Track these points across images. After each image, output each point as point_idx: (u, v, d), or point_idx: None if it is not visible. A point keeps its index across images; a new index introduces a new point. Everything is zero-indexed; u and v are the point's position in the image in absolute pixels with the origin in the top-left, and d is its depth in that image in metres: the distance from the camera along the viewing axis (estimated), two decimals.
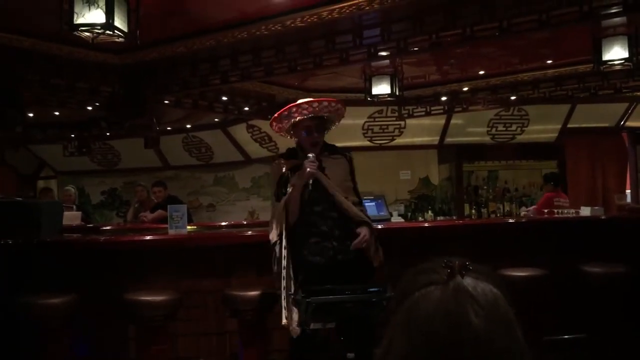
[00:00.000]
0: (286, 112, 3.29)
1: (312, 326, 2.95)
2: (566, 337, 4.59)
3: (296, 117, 3.30)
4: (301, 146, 3.40)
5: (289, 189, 3.31)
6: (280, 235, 3.28)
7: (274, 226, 3.32)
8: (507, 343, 0.82)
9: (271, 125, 3.44)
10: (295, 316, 3.14)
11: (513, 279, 4.17)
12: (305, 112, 3.28)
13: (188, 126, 10.49)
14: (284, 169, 3.40)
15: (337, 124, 3.52)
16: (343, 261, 3.26)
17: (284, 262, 3.25)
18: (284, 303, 3.23)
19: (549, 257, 4.44)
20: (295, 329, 3.15)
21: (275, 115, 3.35)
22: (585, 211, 5.64)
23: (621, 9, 4.33)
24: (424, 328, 0.82)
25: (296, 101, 3.37)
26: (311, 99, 3.33)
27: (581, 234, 4.84)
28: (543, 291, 4.23)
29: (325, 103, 3.31)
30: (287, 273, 3.24)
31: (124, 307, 3.75)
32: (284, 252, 3.26)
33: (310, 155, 3.26)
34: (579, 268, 4.42)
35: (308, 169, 3.21)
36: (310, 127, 3.32)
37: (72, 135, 9.63)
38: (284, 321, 3.23)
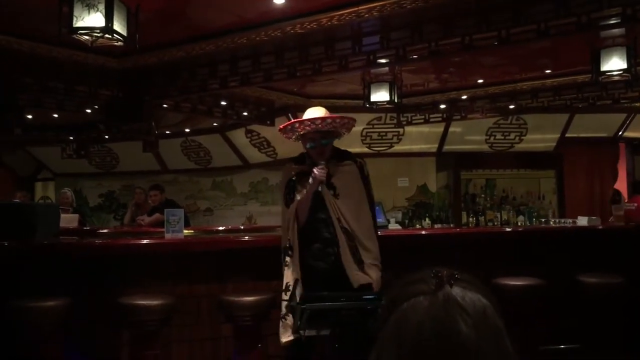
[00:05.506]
0: (289, 127, 3.29)
1: (306, 333, 2.94)
2: (561, 347, 4.58)
3: (300, 132, 3.29)
4: (309, 153, 3.40)
5: (297, 195, 3.30)
6: (290, 241, 3.27)
7: (284, 232, 3.32)
8: (496, 352, 0.82)
9: (279, 131, 3.45)
10: (290, 323, 3.13)
11: (509, 288, 4.17)
12: (307, 128, 3.26)
13: (187, 130, 10.50)
14: (292, 173, 3.39)
15: (346, 133, 3.46)
16: (344, 267, 3.25)
17: (289, 269, 3.24)
18: (284, 310, 3.22)
19: (545, 267, 4.44)
20: (288, 338, 3.15)
21: (281, 127, 3.36)
22: (582, 221, 5.63)
23: (619, 20, 4.35)
24: (413, 338, 0.82)
25: (302, 112, 3.40)
26: (315, 116, 3.27)
27: (578, 243, 4.83)
28: (539, 301, 4.23)
29: (329, 120, 3.26)
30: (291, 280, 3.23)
31: (118, 312, 3.74)
32: (288, 260, 3.25)
33: (321, 162, 3.25)
34: (575, 278, 4.42)
35: (317, 176, 3.21)
36: (315, 139, 3.30)
37: (71, 138, 9.62)
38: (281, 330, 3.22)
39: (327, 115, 3.32)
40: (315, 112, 3.33)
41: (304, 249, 3.27)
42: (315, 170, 3.22)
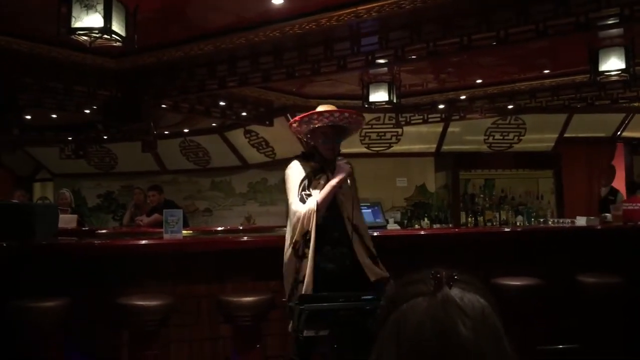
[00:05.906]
0: (307, 118, 3.31)
1: (305, 333, 2.94)
2: (559, 347, 4.58)
3: (316, 124, 3.32)
4: (318, 150, 3.41)
5: (313, 191, 3.28)
6: (304, 237, 3.21)
7: (299, 228, 3.22)
8: (495, 353, 0.82)
9: (290, 126, 3.45)
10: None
11: (508, 288, 4.17)
12: (325, 120, 3.31)
13: (185, 130, 10.50)
14: (305, 171, 3.37)
15: (354, 133, 3.56)
16: (353, 267, 3.26)
17: (301, 265, 3.20)
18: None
19: (544, 267, 4.44)
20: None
21: (297, 118, 3.37)
22: (580, 221, 5.63)
23: (618, 20, 4.36)
24: (413, 339, 0.82)
25: (316, 108, 3.41)
26: (333, 109, 3.34)
27: (577, 243, 4.83)
28: (537, 301, 4.23)
29: (347, 114, 3.34)
30: (297, 278, 3.20)
31: (118, 312, 3.74)
32: (307, 251, 3.19)
33: (339, 157, 3.35)
34: (574, 278, 4.42)
35: (345, 169, 3.30)
36: (329, 134, 3.35)
37: (69, 138, 9.62)
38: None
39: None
40: (327, 108, 3.38)
41: (315, 251, 3.23)
42: (342, 164, 3.32)
